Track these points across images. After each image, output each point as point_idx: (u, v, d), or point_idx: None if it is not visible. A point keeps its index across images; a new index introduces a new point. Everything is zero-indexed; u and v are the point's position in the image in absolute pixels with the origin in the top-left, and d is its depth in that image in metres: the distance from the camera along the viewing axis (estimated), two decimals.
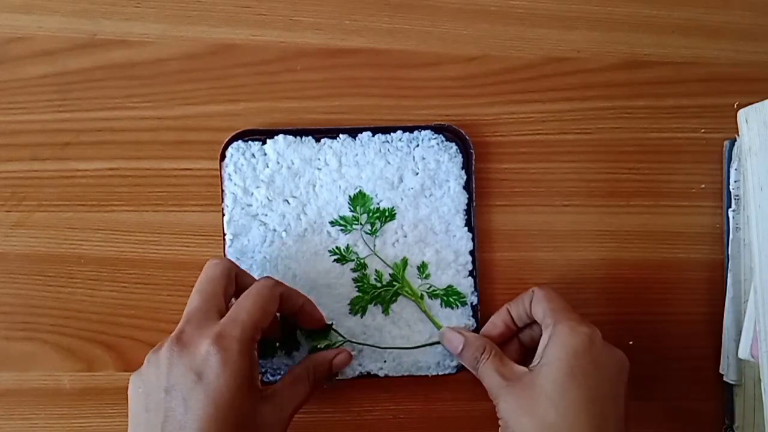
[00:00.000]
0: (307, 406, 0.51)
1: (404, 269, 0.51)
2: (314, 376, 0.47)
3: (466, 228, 0.51)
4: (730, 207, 0.53)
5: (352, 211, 0.51)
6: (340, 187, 0.51)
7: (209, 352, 0.39)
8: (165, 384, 0.39)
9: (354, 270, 0.51)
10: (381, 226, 0.51)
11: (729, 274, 0.53)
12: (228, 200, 0.50)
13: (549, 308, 0.47)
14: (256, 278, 0.46)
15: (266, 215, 0.50)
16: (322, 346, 0.49)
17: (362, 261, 0.51)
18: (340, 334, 0.50)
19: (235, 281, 0.45)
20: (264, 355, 0.49)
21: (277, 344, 0.49)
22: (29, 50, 0.51)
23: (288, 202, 0.50)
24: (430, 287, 0.51)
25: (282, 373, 0.50)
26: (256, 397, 0.42)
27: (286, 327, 0.49)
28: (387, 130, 0.51)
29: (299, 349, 0.50)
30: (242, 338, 0.40)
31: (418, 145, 0.51)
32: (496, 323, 0.50)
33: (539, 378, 0.43)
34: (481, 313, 0.51)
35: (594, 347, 0.44)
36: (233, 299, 0.45)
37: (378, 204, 0.51)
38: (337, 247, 0.51)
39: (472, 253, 0.51)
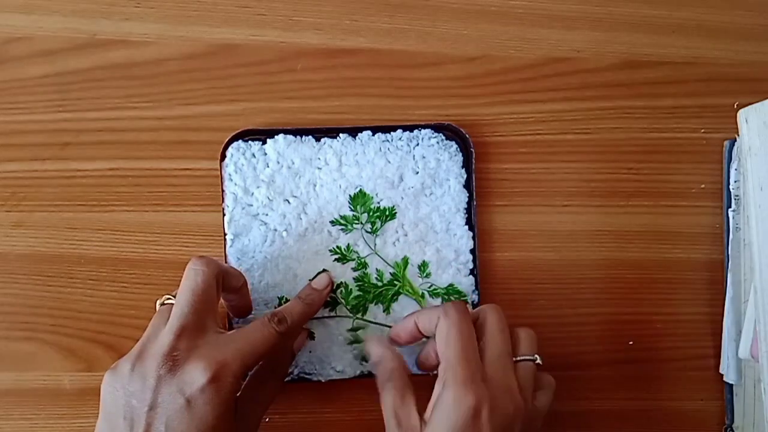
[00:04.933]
0: (307, 406, 0.52)
1: (405, 268, 0.51)
2: (281, 369, 0.48)
3: (466, 226, 0.51)
4: (730, 207, 0.54)
5: (352, 210, 0.51)
6: (340, 186, 0.51)
7: (205, 386, 0.39)
8: (150, 401, 0.38)
9: (355, 269, 0.51)
10: (381, 225, 0.51)
11: (729, 274, 0.53)
12: (228, 200, 0.50)
13: (443, 356, 0.42)
14: (243, 274, 0.47)
15: (267, 215, 0.50)
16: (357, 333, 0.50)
17: (363, 260, 0.51)
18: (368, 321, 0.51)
19: (227, 280, 0.44)
20: None
21: None
22: (29, 50, 0.51)
23: (288, 202, 0.50)
24: (431, 286, 0.51)
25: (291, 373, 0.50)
26: (233, 417, 0.41)
27: None
28: (387, 129, 0.51)
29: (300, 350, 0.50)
30: (239, 373, 0.40)
31: (418, 144, 0.51)
32: (400, 335, 0.47)
33: None
34: None
35: (477, 422, 0.39)
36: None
37: (378, 203, 0.51)
38: (337, 247, 0.51)
39: (472, 251, 0.51)
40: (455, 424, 0.39)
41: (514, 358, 0.43)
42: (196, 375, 0.39)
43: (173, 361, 0.39)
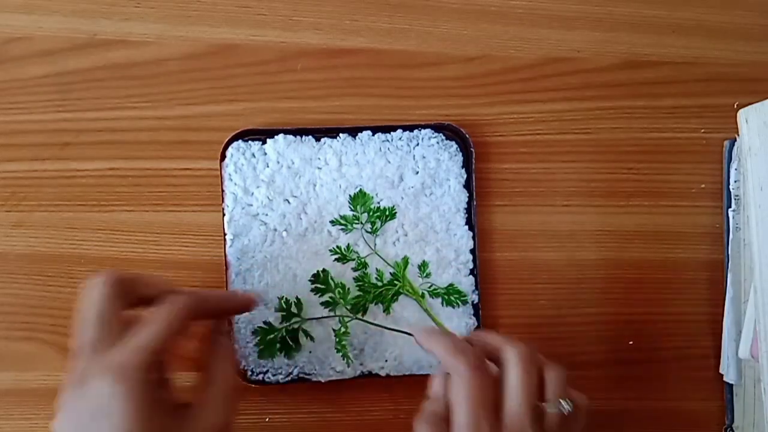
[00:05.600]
0: (307, 406, 0.52)
1: (405, 268, 0.51)
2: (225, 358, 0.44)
3: (466, 226, 0.51)
4: (730, 207, 0.54)
5: (352, 210, 0.51)
6: (340, 186, 0.51)
7: (112, 392, 0.37)
8: (78, 420, 0.37)
9: (355, 269, 0.51)
10: (381, 225, 0.51)
11: (729, 274, 0.53)
12: (228, 200, 0.50)
13: (454, 419, 0.39)
14: (163, 281, 0.43)
15: (267, 215, 0.50)
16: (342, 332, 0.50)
17: (363, 260, 0.51)
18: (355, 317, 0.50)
19: (134, 289, 0.41)
20: (263, 355, 0.49)
21: (278, 345, 0.49)
22: (29, 50, 0.51)
23: (288, 202, 0.50)
24: (431, 286, 0.51)
25: (282, 372, 0.50)
26: (168, 416, 0.39)
27: (287, 327, 0.50)
28: (387, 129, 0.51)
29: (300, 350, 0.50)
30: (143, 365, 0.38)
31: (418, 144, 0.51)
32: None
33: None
34: (482, 312, 0.51)
35: None
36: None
37: (378, 203, 0.51)
38: (337, 247, 0.51)
39: (472, 251, 0.51)
40: None
41: (540, 404, 0.40)
42: (102, 385, 0.37)
43: (79, 380, 0.38)
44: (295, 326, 0.50)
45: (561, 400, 0.40)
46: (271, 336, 0.49)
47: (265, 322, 0.50)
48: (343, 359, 0.50)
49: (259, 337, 0.49)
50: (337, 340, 0.50)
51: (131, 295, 0.41)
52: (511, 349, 0.41)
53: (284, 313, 0.50)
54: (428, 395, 0.43)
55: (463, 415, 0.39)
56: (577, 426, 0.42)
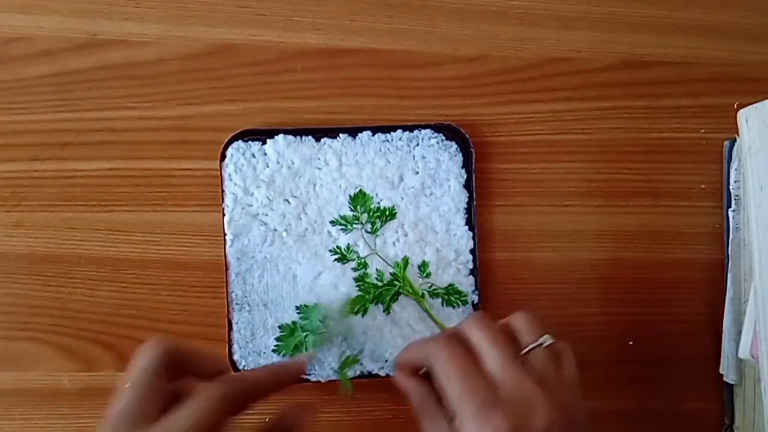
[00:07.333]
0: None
1: (405, 268, 0.51)
2: None
3: (466, 227, 0.51)
4: (730, 207, 0.54)
5: (352, 210, 0.51)
6: (340, 186, 0.51)
7: None
8: None
9: (355, 269, 0.51)
10: (381, 226, 0.51)
11: (729, 274, 0.53)
12: (228, 200, 0.50)
13: (448, 396, 0.38)
14: (210, 354, 0.42)
15: (267, 215, 0.50)
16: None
17: (363, 260, 0.51)
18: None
19: (186, 364, 0.39)
20: (279, 351, 0.49)
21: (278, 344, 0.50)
22: (29, 50, 0.51)
23: (288, 202, 0.50)
24: (431, 286, 0.51)
25: None
26: None
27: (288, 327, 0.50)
28: (387, 129, 0.51)
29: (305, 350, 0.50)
30: None
31: (418, 144, 0.51)
32: (404, 369, 0.43)
33: None
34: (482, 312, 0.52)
35: None
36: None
37: (378, 203, 0.51)
38: (337, 247, 0.51)
39: (472, 251, 0.52)
40: None
41: (521, 353, 0.39)
42: None
43: None
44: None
45: (538, 339, 0.40)
46: (292, 337, 0.49)
47: (293, 322, 0.50)
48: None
49: (283, 333, 0.49)
50: (341, 370, 0.50)
51: (182, 369, 0.39)
52: (464, 323, 0.41)
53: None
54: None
55: (456, 386, 0.38)
56: (570, 367, 0.40)
